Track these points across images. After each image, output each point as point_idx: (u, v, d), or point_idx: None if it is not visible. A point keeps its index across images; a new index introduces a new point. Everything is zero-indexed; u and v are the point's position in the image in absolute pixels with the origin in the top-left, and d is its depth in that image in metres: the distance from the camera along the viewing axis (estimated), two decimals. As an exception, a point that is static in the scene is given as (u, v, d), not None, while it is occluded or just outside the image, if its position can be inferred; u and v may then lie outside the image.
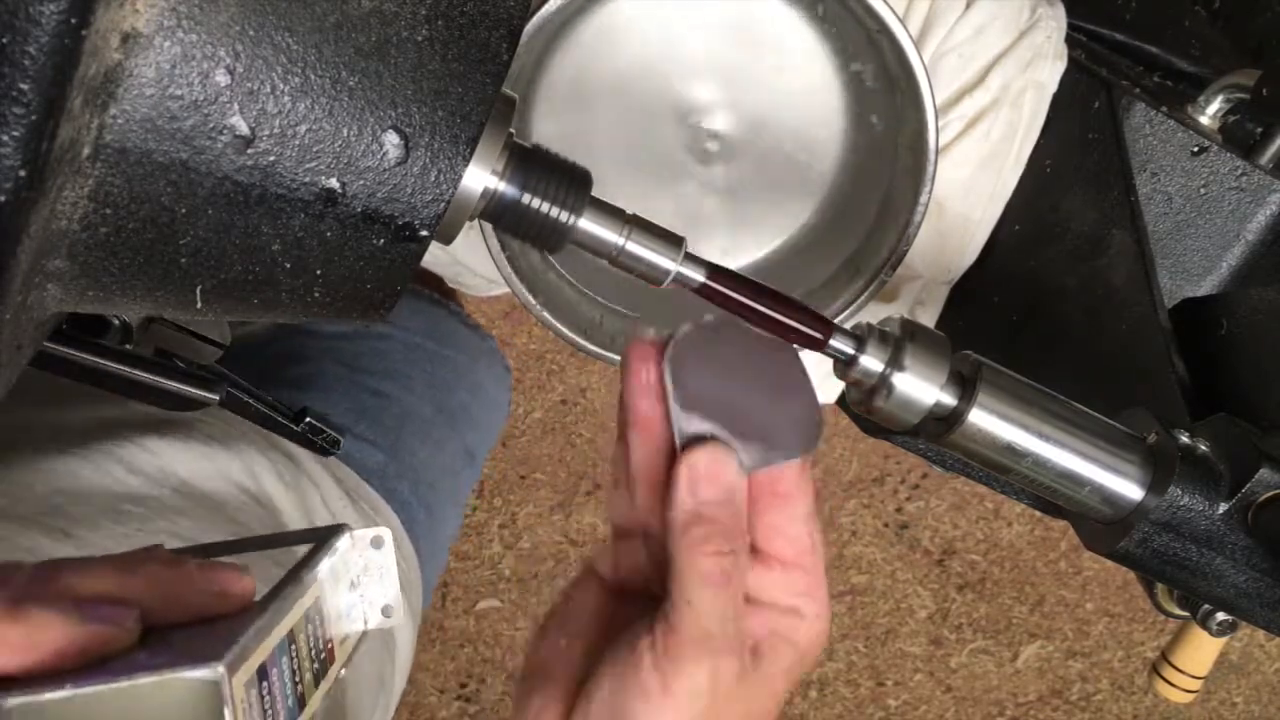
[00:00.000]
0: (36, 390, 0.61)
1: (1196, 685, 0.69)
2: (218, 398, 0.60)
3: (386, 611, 0.44)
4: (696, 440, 0.39)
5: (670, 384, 0.39)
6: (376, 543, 0.44)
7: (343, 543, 0.43)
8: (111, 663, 0.34)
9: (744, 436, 0.40)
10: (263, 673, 0.35)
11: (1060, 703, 1.72)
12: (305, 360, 0.82)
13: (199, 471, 0.63)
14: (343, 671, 0.42)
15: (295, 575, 0.40)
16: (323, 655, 0.41)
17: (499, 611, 1.63)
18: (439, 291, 1.02)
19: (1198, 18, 0.76)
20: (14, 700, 0.32)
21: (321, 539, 0.43)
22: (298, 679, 0.38)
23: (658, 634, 0.38)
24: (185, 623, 0.37)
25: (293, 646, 0.38)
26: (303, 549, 0.43)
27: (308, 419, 0.69)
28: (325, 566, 0.42)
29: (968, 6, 0.68)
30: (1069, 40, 0.70)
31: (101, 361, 0.55)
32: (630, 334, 0.64)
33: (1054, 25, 0.69)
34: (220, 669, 0.32)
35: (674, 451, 0.40)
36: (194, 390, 0.59)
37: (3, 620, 0.33)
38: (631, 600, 0.42)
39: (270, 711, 0.35)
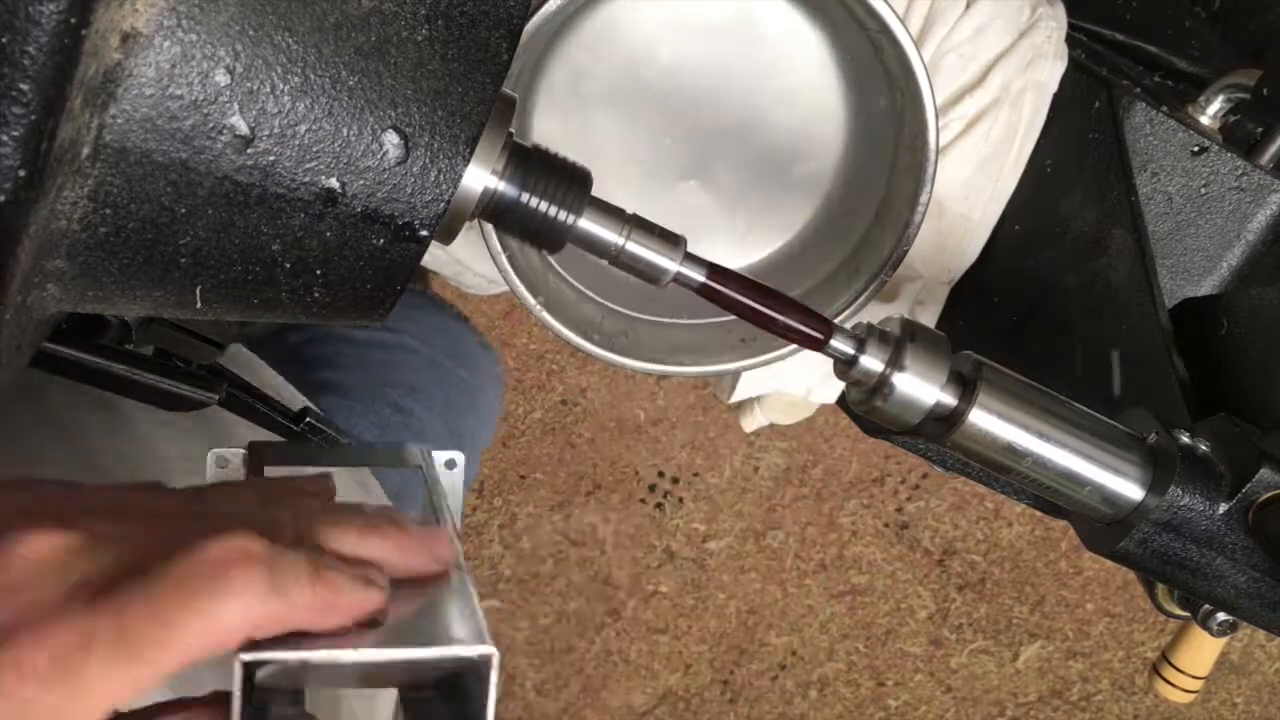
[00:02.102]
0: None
1: (1197, 686, 0.69)
2: (218, 398, 0.60)
3: (457, 533, 0.46)
4: None
5: None
6: (449, 465, 0.47)
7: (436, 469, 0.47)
8: (382, 628, 0.36)
9: None
10: None
11: (1060, 703, 1.72)
12: (335, 366, 0.83)
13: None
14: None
15: (453, 527, 0.43)
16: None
17: (499, 611, 1.63)
18: (447, 302, 1.03)
19: (1198, 18, 0.76)
20: (321, 655, 0.35)
21: (416, 460, 0.46)
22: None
23: None
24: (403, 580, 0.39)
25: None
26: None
27: (308, 419, 0.69)
28: (447, 481, 0.45)
29: (968, 6, 0.68)
30: (1069, 40, 0.70)
31: (101, 361, 0.55)
32: None
33: (1054, 25, 0.69)
34: (493, 650, 0.35)
35: None
36: (194, 390, 0.59)
37: (310, 582, 0.35)
38: None
39: None
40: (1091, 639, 1.69)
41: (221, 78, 0.32)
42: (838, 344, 0.42)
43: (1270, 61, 0.71)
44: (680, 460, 1.60)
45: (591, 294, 0.71)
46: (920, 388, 0.43)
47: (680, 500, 1.62)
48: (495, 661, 0.35)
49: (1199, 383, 0.55)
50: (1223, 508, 0.46)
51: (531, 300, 0.65)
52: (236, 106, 0.33)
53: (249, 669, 0.34)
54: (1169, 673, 0.69)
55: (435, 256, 0.80)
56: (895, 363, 0.43)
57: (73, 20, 0.28)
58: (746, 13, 0.67)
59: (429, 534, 0.40)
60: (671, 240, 0.41)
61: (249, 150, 0.33)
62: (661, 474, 1.61)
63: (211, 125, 0.33)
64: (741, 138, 0.70)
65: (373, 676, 0.38)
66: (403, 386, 0.84)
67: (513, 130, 0.39)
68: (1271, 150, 0.66)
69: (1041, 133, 0.71)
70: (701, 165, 0.71)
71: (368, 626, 0.36)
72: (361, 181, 0.35)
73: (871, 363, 0.43)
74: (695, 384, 1.55)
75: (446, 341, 0.92)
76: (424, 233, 0.36)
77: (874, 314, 0.57)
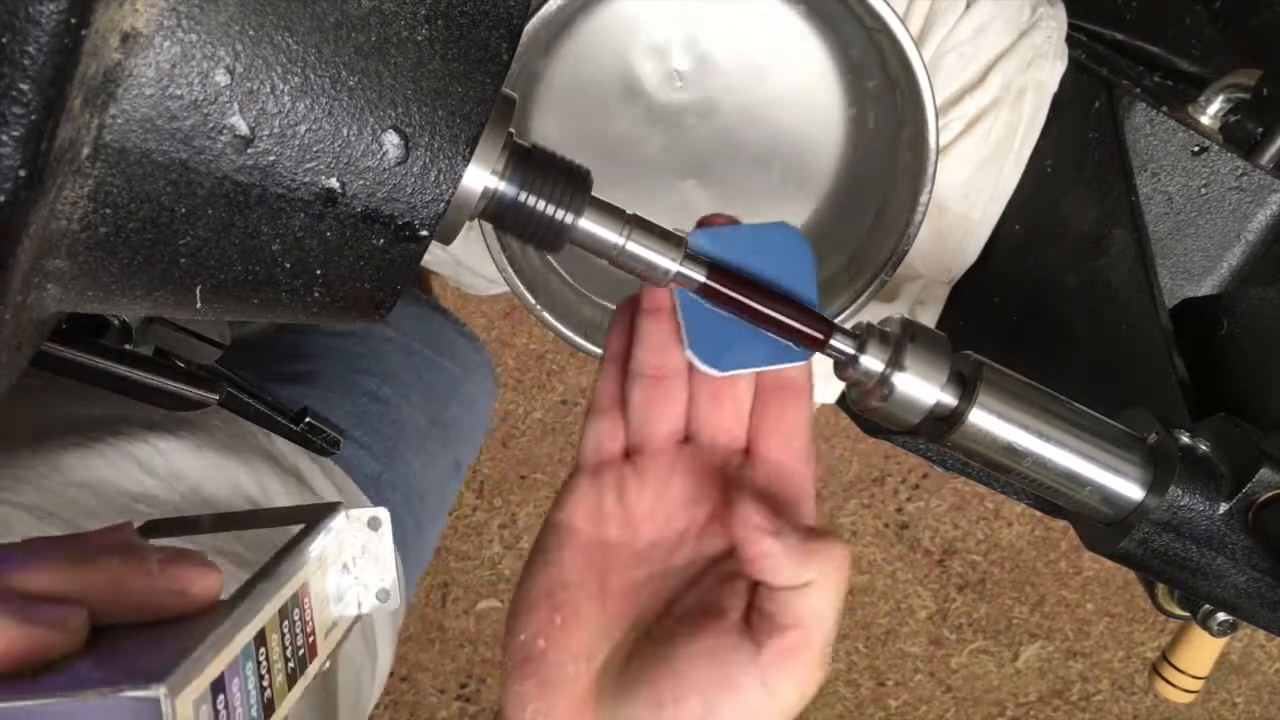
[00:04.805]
0: (55, 383, 0.61)
1: (1197, 685, 0.69)
2: (218, 397, 0.60)
3: (382, 595, 0.42)
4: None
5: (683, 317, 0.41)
6: (374, 524, 0.42)
7: (337, 522, 0.41)
8: (51, 673, 0.31)
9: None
10: (219, 686, 0.32)
11: (1061, 703, 1.72)
12: (307, 357, 0.82)
13: (209, 478, 0.63)
14: (325, 664, 0.40)
15: (274, 566, 0.38)
16: (302, 651, 0.38)
17: (499, 611, 1.63)
18: (431, 296, 1.02)
19: (1198, 17, 0.76)
20: None
21: (314, 518, 0.41)
22: (265, 684, 0.36)
23: (769, 649, 0.36)
24: (141, 621, 0.34)
25: (262, 650, 0.35)
26: (294, 529, 0.41)
27: (308, 419, 0.69)
28: (316, 549, 0.39)
29: (968, 6, 0.68)
30: (1069, 40, 0.70)
31: (101, 361, 0.55)
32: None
33: (1054, 25, 0.69)
34: (161, 689, 0.29)
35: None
36: (194, 390, 0.59)
37: None
38: (622, 559, 0.41)
39: None
40: (1091, 639, 1.69)
41: (221, 78, 0.32)
42: (838, 344, 0.42)
43: (1270, 61, 0.71)
44: (680, 460, 1.60)
45: (591, 294, 0.71)
46: (920, 388, 0.43)
47: (680, 500, 1.61)
48: (164, 700, 0.29)
49: (1199, 383, 0.55)
50: (1223, 508, 0.46)
51: (531, 300, 0.65)
52: (236, 106, 0.33)
53: None
54: (1169, 673, 0.69)
55: (435, 256, 0.80)
56: (895, 363, 0.43)
57: (73, 20, 0.28)
58: (747, 13, 0.67)
59: (176, 568, 0.35)
60: (672, 240, 0.41)
61: (249, 150, 0.33)
62: (661, 474, 1.60)
63: (211, 125, 0.33)
64: (741, 138, 0.70)
65: None
66: (378, 375, 0.83)
67: (513, 130, 0.39)
68: (1271, 150, 0.66)
69: (1041, 133, 0.71)
70: (701, 165, 0.71)
71: (56, 669, 0.31)
72: (361, 181, 0.35)
73: (871, 363, 0.43)
74: (695, 384, 1.54)
75: (424, 331, 0.91)
76: (424, 233, 0.36)
77: (874, 314, 0.57)
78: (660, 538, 0.42)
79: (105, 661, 0.32)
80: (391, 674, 1.66)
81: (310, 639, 0.39)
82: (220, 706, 0.32)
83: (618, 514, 0.42)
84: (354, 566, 0.42)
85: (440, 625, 1.62)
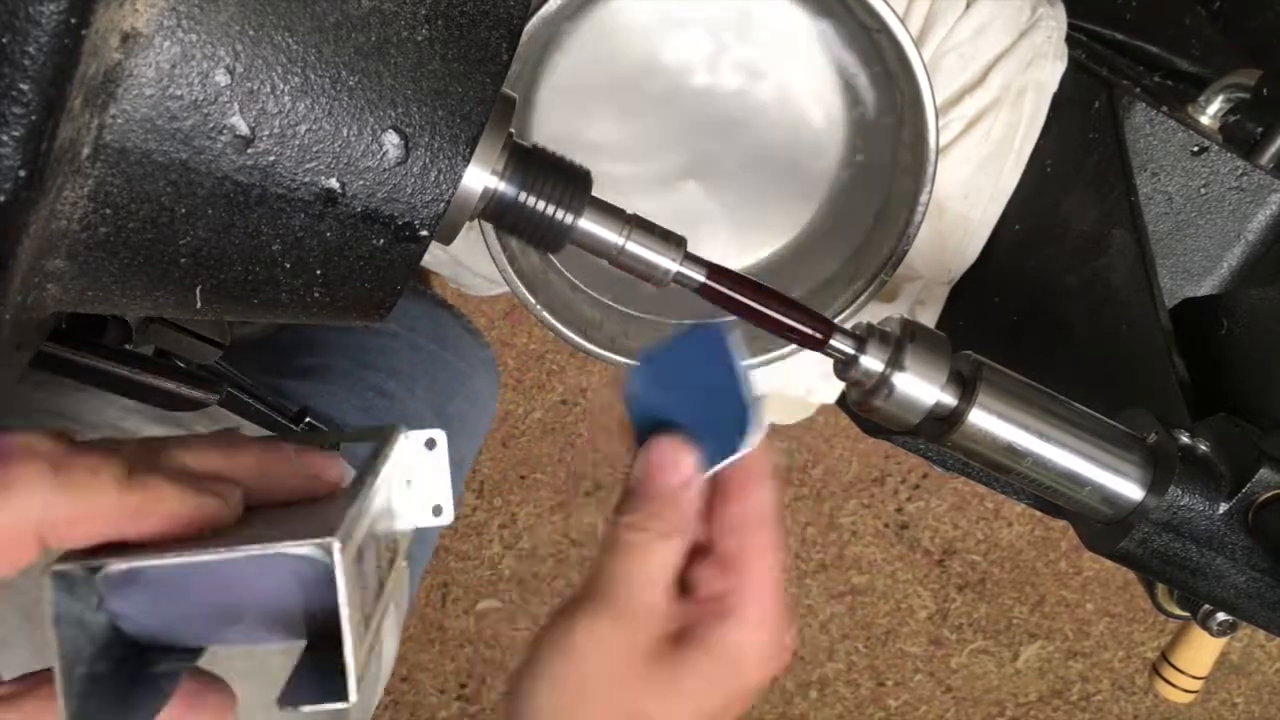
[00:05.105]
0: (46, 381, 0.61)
1: (1197, 685, 0.69)
2: (218, 397, 0.60)
3: (437, 511, 0.46)
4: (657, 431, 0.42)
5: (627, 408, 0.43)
6: (430, 444, 0.46)
7: (400, 443, 0.45)
8: (220, 535, 0.35)
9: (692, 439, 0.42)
10: (360, 555, 0.36)
11: (1060, 703, 1.72)
12: (314, 351, 0.83)
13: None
14: (403, 562, 0.44)
15: (370, 466, 0.42)
16: (391, 549, 0.43)
17: (499, 611, 1.63)
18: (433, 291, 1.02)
19: (1198, 17, 0.76)
20: (121, 565, 0.33)
21: (382, 439, 0.45)
22: (380, 564, 0.40)
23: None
24: (281, 503, 0.38)
25: (374, 538, 0.39)
26: (364, 448, 0.44)
27: (308, 419, 0.69)
28: (387, 466, 0.43)
29: (968, 6, 0.68)
30: (1069, 40, 0.70)
31: (101, 362, 0.55)
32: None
33: (1054, 25, 0.69)
34: (335, 541, 0.33)
35: None
36: (194, 390, 0.59)
37: (121, 488, 0.33)
38: None
39: (365, 590, 0.37)
40: (1091, 639, 1.69)
41: (221, 78, 0.32)
42: (838, 344, 0.42)
43: (1270, 61, 0.71)
44: (680, 460, 1.60)
45: (591, 294, 0.71)
46: (920, 388, 0.43)
47: (680, 500, 1.61)
48: (337, 551, 0.33)
49: (1199, 383, 0.55)
50: (1223, 508, 0.46)
51: (531, 300, 0.65)
52: (236, 106, 0.33)
53: (56, 579, 0.33)
54: (1169, 673, 0.69)
55: (435, 256, 0.80)
56: (895, 363, 0.43)
57: (73, 20, 0.28)
58: (746, 12, 0.67)
59: (308, 455, 0.39)
60: (671, 240, 0.41)
61: (249, 150, 0.33)
62: (661, 474, 1.60)
63: (211, 125, 0.33)
64: (741, 138, 0.70)
65: (235, 613, 0.35)
66: (384, 370, 0.84)
67: (513, 130, 0.39)
68: (1271, 150, 0.66)
69: (1041, 133, 0.71)
70: (701, 165, 0.71)
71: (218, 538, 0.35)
72: (361, 181, 0.35)
73: (871, 363, 0.43)
74: (695, 384, 1.54)
75: (429, 325, 0.91)
76: (424, 233, 0.36)
77: (874, 314, 0.57)
78: None
79: (263, 529, 0.36)
80: (391, 674, 1.66)
81: (394, 542, 0.44)
82: (362, 572, 0.37)
83: None
84: (413, 484, 0.46)
85: (440, 625, 1.62)
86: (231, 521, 0.36)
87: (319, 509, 0.38)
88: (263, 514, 0.37)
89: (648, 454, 0.41)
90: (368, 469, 0.41)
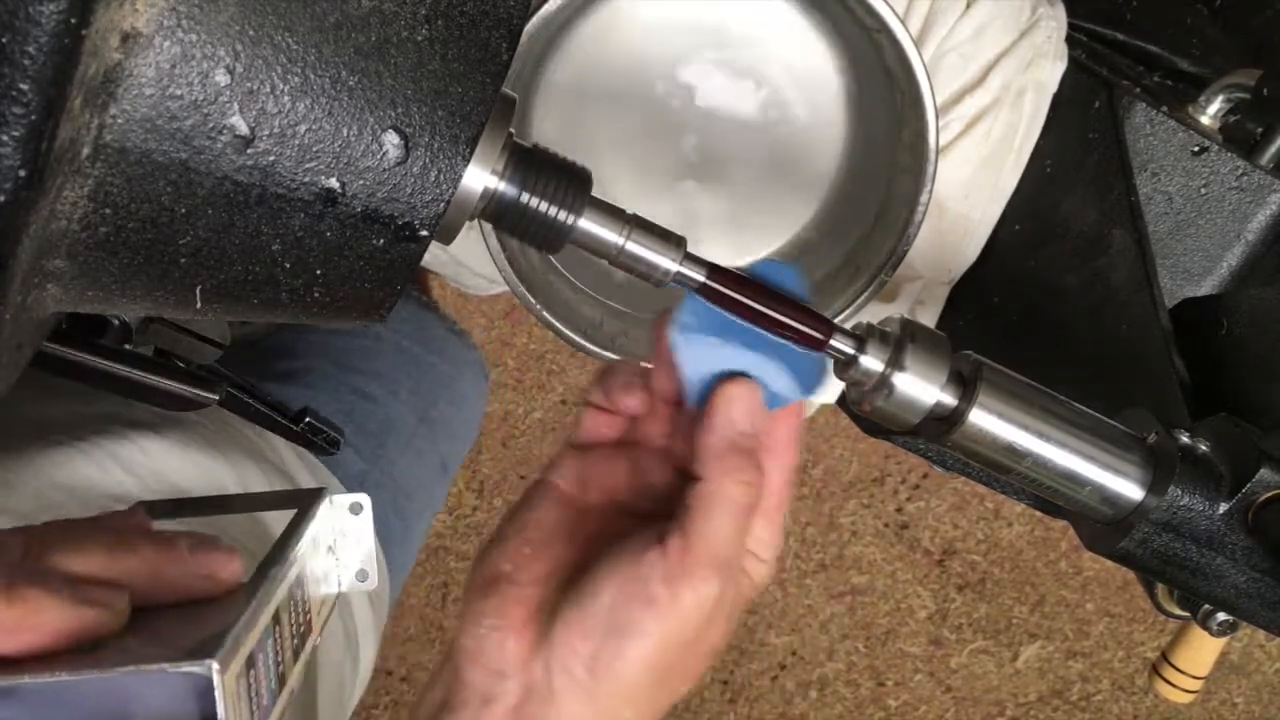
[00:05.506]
0: (23, 383, 0.60)
1: (1197, 685, 0.69)
2: (217, 397, 0.60)
3: (361, 576, 0.45)
4: (727, 376, 0.42)
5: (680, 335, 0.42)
6: (355, 509, 0.45)
7: (323, 508, 0.44)
8: (103, 649, 0.34)
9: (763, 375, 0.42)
10: (250, 661, 0.35)
11: (1060, 703, 1.72)
12: (296, 354, 0.82)
13: (191, 478, 0.63)
14: (317, 640, 0.43)
15: (281, 550, 0.41)
16: (302, 629, 0.41)
17: (499, 611, 1.62)
18: (426, 295, 1.02)
19: (1199, 17, 0.76)
20: (4, 682, 0.32)
21: (304, 504, 0.44)
22: (280, 659, 0.38)
23: (671, 549, 0.39)
24: (174, 603, 0.37)
25: (277, 628, 0.38)
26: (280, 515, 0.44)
27: (307, 419, 0.69)
28: (310, 533, 0.42)
29: (968, 6, 0.68)
30: (1069, 40, 0.70)
31: (101, 361, 0.55)
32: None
33: (1054, 25, 0.69)
34: (214, 664, 0.32)
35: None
36: (194, 390, 0.59)
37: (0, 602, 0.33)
38: (596, 516, 0.44)
39: (256, 697, 0.36)
40: (1091, 639, 1.69)
41: (221, 78, 0.32)
42: (837, 344, 0.42)
43: (1270, 61, 0.71)
44: (680, 460, 1.60)
45: (592, 294, 0.71)
46: (920, 388, 0.43)
47: (680, 500, 1.61)
48: (216, 675, 0.32)
49: (1199, 383, 0.55)
50: (1223, 508, 0.46)
51: (531, 300, 0.65)
52: (236, 106, 0.33)
53: None
54: (1169, 673, 0.69)
55: (435, 256, 0.80)
56: (895, 363, 0.43)
57: (73, 20, 0.28)
58: (747, 13, 0.67)
59: (204, 555, 0.38)
60: (671, 240, 0.41)
61: (249, 150, 0.33)
62: (661, 474, 1.60)
63: (211, 125, 0.33)
64: (741, 138, 0.70)
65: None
66: (367, 373, 0.83)
67: (513, 130, 0.39)
68: (1271, 150, 0.66)
69: (1041, 133, 0.71)
70: (701, 165, 0.71)
71: (98, 649, 0.34)
72: (361, 181, 0.35)
73: (871, 363, 0.43)
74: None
75: (415, 328, 0.91)
76: (424, 233, 0.36)
77: (874, 314, 0.57)
78: (633, 504, 0.45)
79: (153, 640, 0.35)
80: (391, 674, 1.66)
81: (308, 616, 0.42)
82: (251, 679, 0.35)
83: (598, 486, 0.45)
84: (336, 549, 0.45)
85: (440, 625, 1.62)
86: (117, 629, 0.35)
87: (211, 613, 0.36)
88: (153, 618, 0.36)
89: (752, 399, 0.41)
90: (274, 554, 0.40)
